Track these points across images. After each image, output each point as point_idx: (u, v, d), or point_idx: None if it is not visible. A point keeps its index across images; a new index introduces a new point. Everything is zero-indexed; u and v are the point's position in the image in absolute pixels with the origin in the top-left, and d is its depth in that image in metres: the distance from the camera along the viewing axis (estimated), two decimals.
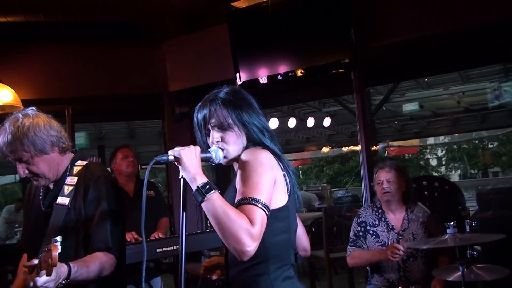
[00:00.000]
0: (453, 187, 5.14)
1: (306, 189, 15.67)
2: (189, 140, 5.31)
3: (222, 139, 1.98)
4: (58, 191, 2.33)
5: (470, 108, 10.38)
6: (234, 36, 4.45)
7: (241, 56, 4.42)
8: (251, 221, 1.69)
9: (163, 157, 1.84)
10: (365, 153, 4.60)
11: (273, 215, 1.82)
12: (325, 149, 14.60)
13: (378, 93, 8.57)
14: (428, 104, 9.92)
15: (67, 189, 2.31)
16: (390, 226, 3.67)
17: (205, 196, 1.74)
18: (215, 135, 1.99)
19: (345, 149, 14.45)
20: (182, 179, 1.85)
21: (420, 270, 3.59)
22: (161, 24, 4.95)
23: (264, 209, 1.74)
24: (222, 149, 1.97)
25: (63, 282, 1.98)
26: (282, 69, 4.25)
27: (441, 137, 23.59)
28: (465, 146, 30.42)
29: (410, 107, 10.43)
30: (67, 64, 4.97)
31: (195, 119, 2.05)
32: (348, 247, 3.81)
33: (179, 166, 1.83)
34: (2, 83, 4.56)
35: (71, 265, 2.01)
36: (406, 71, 4.93)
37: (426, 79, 8.38)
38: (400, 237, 3.62)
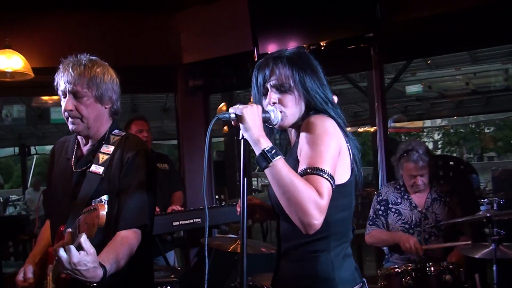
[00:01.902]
0: (468, 167, 5.11)
1: None
2: (202, 114, 5.23)
3: (280, 101, 1.85)
4: (92, 157, 2.22)
5: (478, 91, 10.31)
6: (254, 7, 4.29)
7: (261, 28, 4.28)
8: (319, 193, 1.58)
9: (225, 115, 1.68)
10: (382, 132, 4.51)
11: (338, 190, 1.72)
12: None
13: (386, 72, 8.46)
14: (435, 86, 9.84)
15: (101, 157, 2.20)
16: (414, 205, 3.63)
17: (270, 161, 1.61)
18: (272, 96, 1.86)
19: (348, 129, 14.34)
20: (243, 141, 1.71)
21: (441, 249, 3.56)
22: None
23: (331, 180, 1.63)
24: (283, 115, 1.85)
25: (94, 284, 1.84)
26: (303, 41, 4.12)
27: (438, 120, 23.64)
28: (461, 130, 30.52)
29: (413, 89, 10.37)
30: (79, 32, 4.81)
31: (254, 77, 1.92)
32: (368, 225, 3.77)
33: (241, 126, 1.69)
34: (13, 49, 4.44)
35: (106, 266, 1.87)
36: (425, 48, 4.80)
37: (429, 62, 8.30)
38: (423, 216, 3.58)
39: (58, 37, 4.75)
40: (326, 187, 1.61)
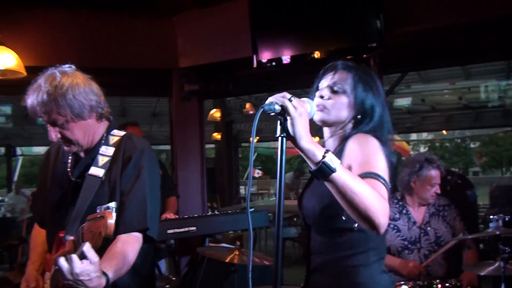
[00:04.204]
0: (466, 182, 5.06)
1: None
2: (197, 120, 5.14)
3: (329, 98, 1.83)
4: (91, 160, 2.11)
5: (469, 106, 10.36)
6: (254, 13, 4.22)
7: (261, 35, 4.21)
8: (382, 196, 1.52)
9: (270, 106, 1.46)
10: None
11: None
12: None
13: None
14: (428, 99, 9.88)
15: (101, 159, 2.09)
16: (412, 220, 3.57)
17: (334, 170, 1.45)
18: (324, 91, 1.83)
19: None
20: (281, 138, 1.49)
21: (441, 265, 3.52)
22: None
23: (387, 186, 1.58)
24: (324, 108, 1.81)
25: None
26: (302, 50, 4.05)
27: (424, 134, 23.82)
28: (447, 144, 30.80)
29: (402, 102, 10.39)
30: (73, 31, 4.71)
31: (316, 79, 1.91)
32: None
33: (288, 123, 1.47)
34: (6, 46, 4.32)
35: (109, 274, 1.78)
36: (423, 61, 4.77)
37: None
38: (422, 232, 3.52)
39: (52, 36, 4.65)
40: (385, 191, 1.56)
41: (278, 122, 1.49)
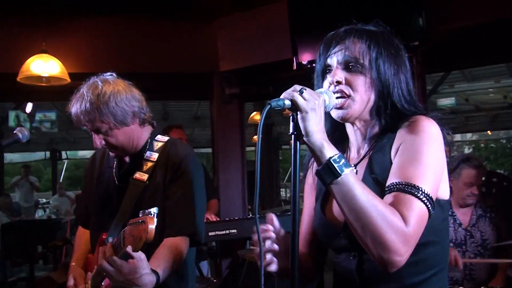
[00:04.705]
0: None
1: None
2: (238, 123, 5.16)
3: (347, 82, 1.42)
4: (136, 165, 2.15)
5: None
6: (294, 15, 4.20)
7: (300, 37, 4.18)
8: (403, 218, 1.22)
9: (278, 102, 1.27)
10: None
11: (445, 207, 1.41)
12: None
13: None
14: (472, 98, 9.64)
15: (146, 164, 2.12)
16: (458, 222, 3.47)
17: (339, 174, 1.23)
18: (338, 73, 1.43)
19: None
20: (294, 136, 1.30)
21: (486, 269, 3.41)
22: (215, 0, 4.75)
23: (427, 203, 1.25)
24: (345, 95, 1.42)
25: None
26: None
27: (469, 135, 23.26)
28: (492, 145, 29.99)
29: (446, 101, 10.15)
30: (115, 38, 4.82)
31: (317, 56, 1.52)
32: None
33: (299, 118, 1.26)
34: (49, 54, 4.44)
35: (159, 272, 1.81)
36: (466, 58, 4.66)
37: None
38: (468, 234, 3.43)
39: (94, 43, 4.77)
40: (418, 211, 1.24)
41: (291, 118, 1.30)
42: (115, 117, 2.02)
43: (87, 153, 17.70)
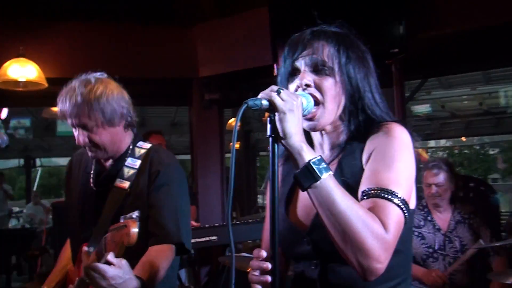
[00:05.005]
0: (489, 189, 4.97)
1: None
2: (217, 129, 5.14)
3: (317, 85, 1.38)
4: (117, 172, 2.09)
5: (490, 111, 10.23)
6: (275, 21, 4.20)
7: (281, 43, 4.17)
8: (383, 224, 1.19)
9: (255, 101, 1.22)
10: None
11: (412, 217, 1.36)
12: None
13: None
14: (448, 105, 9.77)
15: (127, 171, 2.07)
16: (437, 227, 3.51)
17: (319, 177, 1.19)
18: (306, 76, 1.39)
19: None
20: (272, 138, 1.26)
21: (466, 274, 3.44)
22: (196, 5, 4.72)
23: (403, 207, 1.23)
24: (316, 100, 1.38)
25: None
26: None
27: (443, 141, 23.58)
28: (466, 151, 30.45)
29: (421, 108, 10.25)
30: (94, 43, 4.76)
31: (283, 56, 1.47)
32: None
33: (276, 119, 1.23)
34: (27, 58, 4.36)
35: (143, 278, 1.77)
36: (444, 66, 4.72)
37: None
38: (446, 239, 3.46)
39: (73, 47, 4.71)
40: (395, 217, 1.22)
41: (268, 120, 1.25)
42: (104, 115, 1.97)
43: (61, 160, 17.46)
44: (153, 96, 5.55)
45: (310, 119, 1.38)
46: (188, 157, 7.33)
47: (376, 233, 1.16)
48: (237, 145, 10.38)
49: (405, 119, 4.48)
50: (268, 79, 4.52)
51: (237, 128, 1.27)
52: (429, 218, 3.54)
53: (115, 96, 2.01)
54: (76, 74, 2.13)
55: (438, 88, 8.94)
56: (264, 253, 1.32)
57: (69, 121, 2.01)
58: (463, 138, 16.26)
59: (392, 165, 1.28)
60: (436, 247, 3.46)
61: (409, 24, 3.72)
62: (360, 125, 1.41)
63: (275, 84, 1.28)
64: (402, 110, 4.45)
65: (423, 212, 3.57)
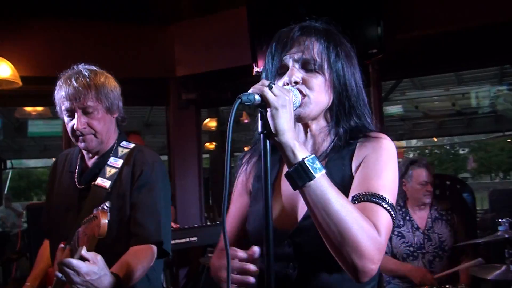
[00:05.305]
0: (465, 187, 5.05)
1: None
2: (194, 129, 5.10)
3: (304, 82, 1.38)
4: (98, 170, 2.07)
5: (462, 112, 10.42)
6: (253, 20, 4.18)
7: (260, 43, 4.17)
8: (375, 226, 1.21)
9: (249, 96, 1.17)
10: None
11: None
12: None
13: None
14: (422, 106, 9.91)
15: (109, 171, 2.06)
16: (415, 226, 3.55)
17: (314, 176, 1.17)
18: (295, 73, 1.38)
19: None
20: (263, 135, 1.22)
21: (446, 269, 3.48)
22: (173, 4, 4.67)
23: (391, 211, 1.28)
24: (305, 97, 1.38)
25: None
26: None
27: (414, 141, 23.91)
28: (436, 151, 30.93)
29: (392, 109, 10.38)
30: (69, 41, 4.65)
31: (269, 52, 1.47)
32: None
33: (268, 114, 1.19)
34: (1, 56, 4.25)
35: (119, 275, 1.74)
36: (422, 67, 4.77)
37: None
38: (426, 238, 3.50)
39: (48, 45, 4.60)
40: (385, 220, 1.25)
41: (259, 115, 1.21)
42: (106, 100, 2.03)
43: (32, 162, 17.14)
44: (129, 96, 5.46)
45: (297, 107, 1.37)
46: (164, 157, 7.24)
47: (371, 234, 1.18)
48: (212, 146, 10.37)
49: (382, 120, 4.51)
50: (246, 79, 4.54)
51: (232, 122, 1.18)
52: (407, 217, 3.58)
53: (115, 85, 2.12)
54: (51, 72, 2.13)
55: (412, 89, 9.06)
56: (256, 251, 1.27)
57: (68, 104, 1.99)
58: (434, 138, 16.51)
59: (382, 174, 1.32)
60: (416, 246, 3.49)
61: (387, 25, 3.75)
62: (347, 131, 1.43)
63: (254, 84, 1.23)
64: (379, 110, 4.48)
65: (401, 212, 3.61)
